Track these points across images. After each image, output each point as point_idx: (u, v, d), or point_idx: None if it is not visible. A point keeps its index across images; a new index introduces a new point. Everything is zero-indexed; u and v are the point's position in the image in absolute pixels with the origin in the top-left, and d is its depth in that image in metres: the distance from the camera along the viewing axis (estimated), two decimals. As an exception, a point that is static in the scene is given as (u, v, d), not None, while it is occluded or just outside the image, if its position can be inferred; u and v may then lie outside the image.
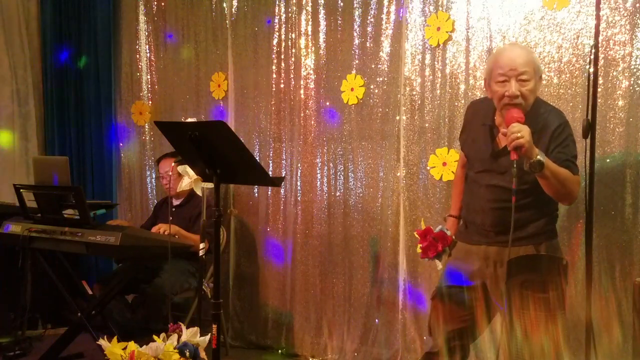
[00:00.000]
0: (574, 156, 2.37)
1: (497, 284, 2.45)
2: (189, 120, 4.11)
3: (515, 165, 2.23)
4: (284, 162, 4.12)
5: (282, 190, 4.11)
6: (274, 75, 4.13)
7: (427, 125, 3.54)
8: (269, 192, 4.18)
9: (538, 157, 2.20)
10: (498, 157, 2.45)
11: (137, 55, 4.81)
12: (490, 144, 2.48)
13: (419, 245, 2.76)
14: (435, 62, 3.50)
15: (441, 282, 2.64)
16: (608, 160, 2.97)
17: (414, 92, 3.58)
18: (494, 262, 2.47)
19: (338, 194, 3.89)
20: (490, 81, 2.42)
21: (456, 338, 2.55)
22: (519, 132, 2.20)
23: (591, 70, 2.31)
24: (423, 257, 2.75)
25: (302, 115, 4.02)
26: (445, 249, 2.69)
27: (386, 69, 3.69)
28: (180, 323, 2.55)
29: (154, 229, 3.82)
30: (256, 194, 4.25)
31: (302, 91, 4.02)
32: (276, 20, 4.11)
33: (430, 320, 2.66)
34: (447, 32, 3.43)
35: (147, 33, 4.77)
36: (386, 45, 3.68)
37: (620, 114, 2.96)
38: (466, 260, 2.56)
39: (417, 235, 2.77)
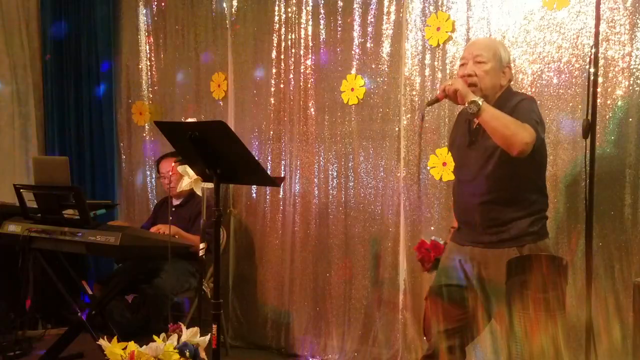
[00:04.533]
0: (530, 118, 2.35)
1: (482, 286, 2.45)
2: (189, 120, 4.10)
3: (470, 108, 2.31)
4: (283, 162, 4.12)
5: (281, 191, 4.10)
6: (274, 75, 4.13)
7: (427, 125, 3.53)
8: (269, 193, 4.18)
9: (473, 98, 2.30)
10: (472, 144, 2.49)
11: (137, 56, 4.81)
12: (467, 135, 2.53)
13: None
14: (435, 62, 3.50)
15: (434, 282, 2.64)
16: (607, 161, 2.97)
17: (414, 92, 3.58)
18: (477, 264, 2.47)
19: (338, 194, 3.89)
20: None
21: (451, 338, 2.54)
22: (452, 83, 2.37)
23: (591, 70, 2.32)
24: (424, 271, 2.83)
25: (302, 115, 4.02)
26: (438, 258, 2.70)
27: (386, 69, 3.69)
28: (180, 323, 2.55)
29: (153, 229, 3.81)
30: (255, 195, 4.25)
31: (302, 91, 4.02)
32: (276, 20, 4.11)
33: (424, 321, 2.65)
34: (447, 32, 3.43)
35: (147, 33, 4.77)
36: (386, 45, 3.68)
37: (620, 114, 2.96)
38: (456, 260, 2.56)
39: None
